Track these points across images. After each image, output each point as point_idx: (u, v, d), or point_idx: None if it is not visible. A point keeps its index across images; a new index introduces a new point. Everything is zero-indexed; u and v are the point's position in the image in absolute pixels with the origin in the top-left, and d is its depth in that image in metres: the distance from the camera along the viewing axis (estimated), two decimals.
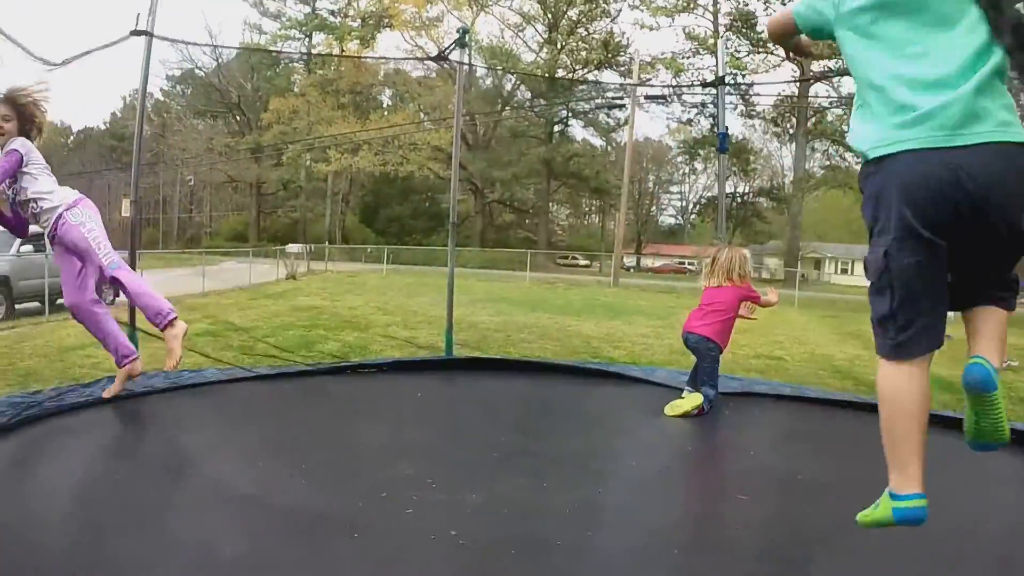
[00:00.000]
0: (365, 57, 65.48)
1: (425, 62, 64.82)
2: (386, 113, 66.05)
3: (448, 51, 8.84)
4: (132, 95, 76.63)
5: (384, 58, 71.04)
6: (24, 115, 5.34)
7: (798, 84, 54.43)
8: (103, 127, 79.26)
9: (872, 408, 6.32)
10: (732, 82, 48.85)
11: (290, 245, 44.25)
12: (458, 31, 8.71)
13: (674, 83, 57.52)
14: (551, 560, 3.28)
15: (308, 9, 68.69)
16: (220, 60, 70.25)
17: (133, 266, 6.67)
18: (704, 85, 48.87)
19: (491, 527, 3.62)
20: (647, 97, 51.33)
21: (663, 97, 55.14)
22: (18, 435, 4.68)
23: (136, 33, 6.76)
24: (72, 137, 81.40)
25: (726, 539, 3.76)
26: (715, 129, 53.81)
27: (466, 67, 8.93)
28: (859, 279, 57.38)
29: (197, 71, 71.88)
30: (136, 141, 7.29)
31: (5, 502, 3.64)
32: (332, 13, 69.18)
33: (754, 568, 3.35)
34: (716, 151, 8.91)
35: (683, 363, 10.62)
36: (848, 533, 3.32)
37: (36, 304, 16.58)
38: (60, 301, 16.98)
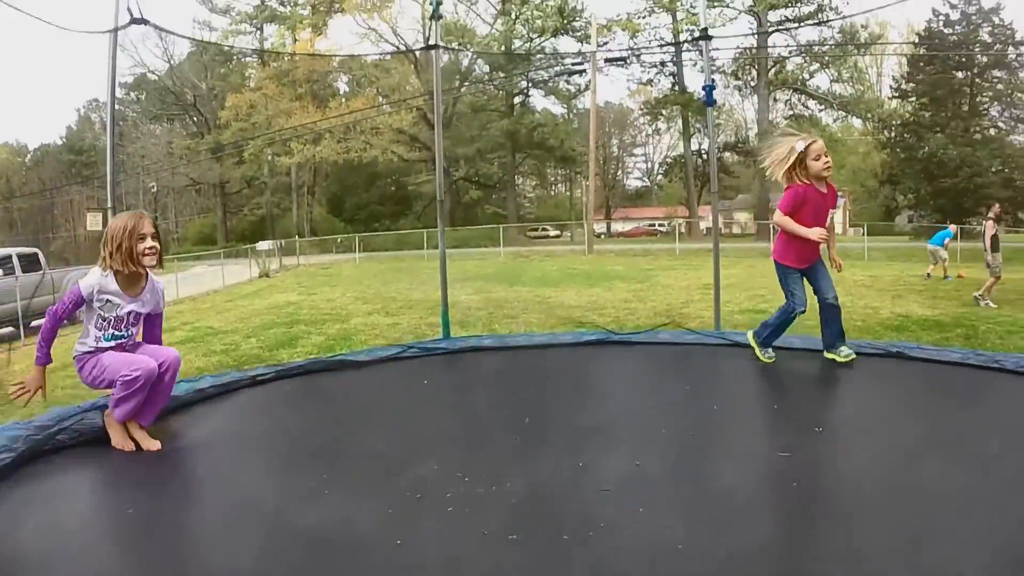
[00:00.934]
0: (348, 56, 65.07)
1: (379, 44, 64.15)
2: (344, 100, 65.46)
3: (426, 39, 8.68)
4: (87, 106, 76.12)
5: (365, 55, 70.23)
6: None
7: (756, 36, 54.57)
8: (60, 142, 78.27)
9: (873, 355, 6.33)
10: (691, 38, 49.09)
11: (260, 243, 44.04)
12: (431, 2, 8.56)
13: (632, 44, 57.59)
14: (609, 543, 3.11)
15: (257, 1, 68.04)
16: (172, 62, 69.47)
17: None
18: (689, 41, 49.23)
19: (539, 516, 3.43)
20: (607, 60, 51.33)
21: (623, 59, 55.19)
22: (28, 470, 4.45)
23: (135, 21, 6.56)
24: (29, 155, 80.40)
25: (779, 501, 3.64)
26: (675, 87, 53.89)
27: (439, 46, 8.69)
28: None
29: (150, 75, 70.89)
30: (110, 145, 7.05)
31: (24, 544, 3.44)
32: (282, 3, 68.54)
33: (822, 530, 3.24)
34: (704, 103, 8.77)
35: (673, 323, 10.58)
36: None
37: (10, 329, 16.36)
38: (35, 323, 16.86)
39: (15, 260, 17.69)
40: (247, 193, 73.62)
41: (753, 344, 6.48)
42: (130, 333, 4.99)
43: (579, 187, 73.51)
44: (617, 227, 80.00)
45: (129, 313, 4.94)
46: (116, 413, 4.86)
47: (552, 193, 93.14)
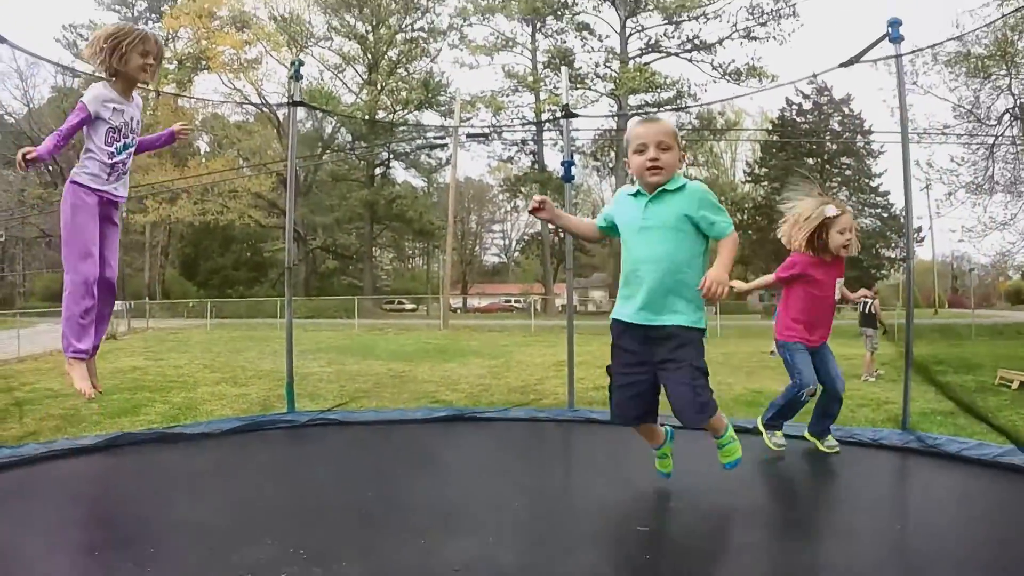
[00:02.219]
0: (207, 99, 63.93)
1: (244, 106, 63.53)
2: (204, 160, 64.37)
3: (290, 97, 8.55)
4: None
5: (224, 100, 68.91)
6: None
7: (616, 119, 55.89)
8: None
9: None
10: (553, 116, 49.98)
11: None
12: (292, 63, 8.51)
13: (495, 121, 58.50)
14: None
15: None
16: (31, 105, 66.83)
17: None
18: (551, 120, 50.22)
19: None
20: (469, 136, 51.79)
21: (485, 135, 55.81)
22: None
23: None
24: None
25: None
26: (535, 166, 54.67)
27: (296, 107, 8.57)
28: None
29: (7, 117, 67.59)
30: None
31: None
32: None
33: None
34: (562, 179, 8.86)
35: (523, 401, 10.53)
36: None
37: None
38: None
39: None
40: None
41: (761, 429, 5.93)
42: (134, 141, 4.96)
43: (436, 261, 73.83)
44: (474, 302, 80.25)
45: (132, 118, 4.90)
46: (79, 351, 4.89)
47: (409, 266, 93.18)
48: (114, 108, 4.81)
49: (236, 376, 15.52)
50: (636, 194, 4.26)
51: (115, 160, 4.84)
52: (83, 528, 4.41)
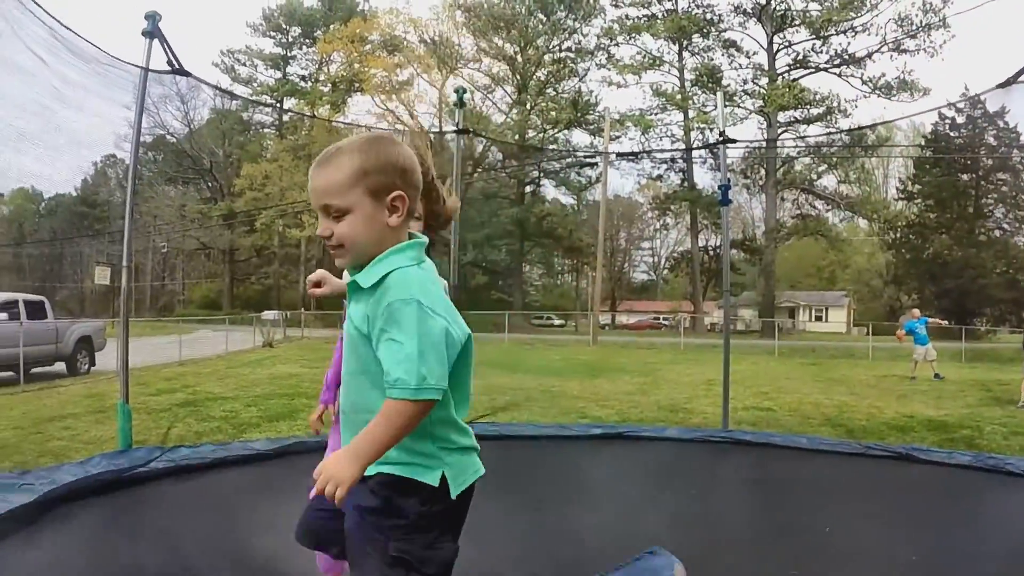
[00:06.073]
0: (353, 124, 65.60)
1: (395, 125, 64.72)
2: None
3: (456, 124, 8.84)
4: (104, 161, 76.30)
5: (376, 128, 70.58)
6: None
7: (765, 136, 55.05)
8: (74, 193, 78.09)
9: (882, 457, 6.24)
10: (710, 142, 49.51)
11: (265, 312, 44.01)
12: (456, 91, 8.81)
13: (644, 139, 58.34)
14: None
15: (279, 75, 69.11)
16: (192, 126, 69.40)
17: (125, 335, 6.39)
18: (707, 146, 49.94)
19: None
20: (619, 155, 51.68)
21: (635, 154, 55.63)
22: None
23: (177, 71, 6.61)
24: (43, 203, 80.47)
25: None
26: (684, 183, 54.03)
27: (469, 131, 8.86)
28: (833, 325, 58.04)
29: (169, 137, 70.43)
30: (128, 202, 7.06)
31: None
32: (303, 79, 69.75)
33: None
34: (719, 204, 8.87)
35: (672, 419, 10.54)
36: None
37: (10, 374, 16.11)
38: (35, 370, 16.59)
39: (21, 306, 17.49)
40: (255, 262, 74.22)
41: None
42: None
43: (585, 278, 73.78)
44: (622, 319, 79.82)
45: None
46: None
47: (558, 283, 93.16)
48: None
49: None
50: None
51: None
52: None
